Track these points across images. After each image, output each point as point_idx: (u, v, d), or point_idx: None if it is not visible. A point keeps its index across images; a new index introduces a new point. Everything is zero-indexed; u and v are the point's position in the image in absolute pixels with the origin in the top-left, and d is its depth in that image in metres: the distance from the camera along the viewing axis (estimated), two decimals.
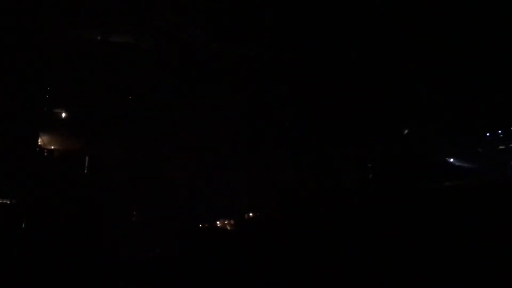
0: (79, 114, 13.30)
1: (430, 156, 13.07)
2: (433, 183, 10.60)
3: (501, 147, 13.26)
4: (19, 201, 10.83)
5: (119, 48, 12.67)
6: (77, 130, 13.18)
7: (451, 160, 13.58)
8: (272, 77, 13.50)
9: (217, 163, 13.66)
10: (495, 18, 10.78)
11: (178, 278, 8.25)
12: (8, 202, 10.84)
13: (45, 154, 13.05)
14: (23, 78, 11.53)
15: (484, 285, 5.51)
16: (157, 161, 13.64)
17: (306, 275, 7.14)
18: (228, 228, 13.14)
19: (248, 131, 13.99)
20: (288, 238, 8.43)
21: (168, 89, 13.39)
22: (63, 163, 12.98)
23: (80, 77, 12.49)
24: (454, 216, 6.38)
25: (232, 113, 13.80)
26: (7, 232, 9.85)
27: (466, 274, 5.68)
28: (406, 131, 13.73)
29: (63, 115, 13.35)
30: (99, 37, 12.52)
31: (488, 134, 13.51)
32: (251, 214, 13.36)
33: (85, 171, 13.11)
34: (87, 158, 13.21)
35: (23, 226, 10.29)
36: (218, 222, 13.29)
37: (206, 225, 12.99)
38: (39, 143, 12.74)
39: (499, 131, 13.31)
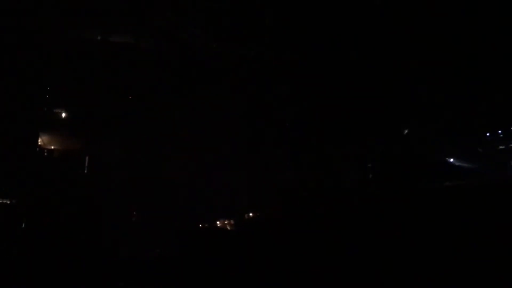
0: (79, 114, 13.30)
1: (430, 156, 13.07)
2: (433, 183, 10.60)
3: (501, 147, 13.26)
4: (19, 201, 10.83)
5: (119, 48, 12.67)
6: (77, 130, 13.18)
7: (451, 160, 13.58)
8: (272, 77, 13.50)
9: (217, 163, 13.65)
10: (495, 18, 10.78)
11: (178, 278, 8.24)
12: (8, 202, 10.84)
13: (45, 154, 13.05)
14: (23, 78, 11.53)
15: (484, 285, 5.51)
16: (157, 161, 13.63)
17: (306, 275, 7.14)
18: (228, 228, 13.14)
19: (248, 131, 13.99)
20: (288, 238, 8.43)
21: (168, 89, 13.39)
22: (63, 163, 12.98)
23: (80, 77, 12.49)
24: (454, 216, 6.38)
25: (232, 113, 13.80)
26: (7, 232, 9.85)
27: (466, 274, 5.68)
28: (406, 131, 13.73)
29: (63, 115, 13.35)
30: (99, 37, 12.52)
31: (488, 134, 13.51)
32: (251, 214, 13.36)
33: (85, 171, 13.11)
34: (87, 158, 13.21)
35: (23, 226, 10.29)
36: (218, 222, 13.29)
37: (206, 225, 12.99)
38: (39, 143, 12.74)
39: (499, 131, 13.31)
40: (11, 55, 11.23)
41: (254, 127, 13.99)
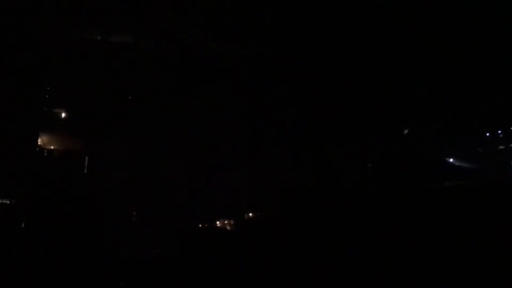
0: (79, 114, 13.30)
1: (430, 156, 13.08)
2: (433, 183, 10.61)
3: (501, 147, 13.27)
4: (19, 201, 10.82)
5: (119, 48, 12.67)
6: (77, 130, 13.17)
7: (451, 160, 13.59)
8: (272, 77, 13.50)
9: (217, 163, 13.65)
10: (495, 18, 10.78)
11: (178, 278, 8.24)
12: (8, 202, 10.84)
13: (45, 154, 13.05)
14: (23, 78, 11.53)
15: (484, 285, 5.51)
16: (157, 161, 13.63)
17: (306, 275, 7.14)
18: (228, 228, 13.14)
19: (248, 131, 13.99)
20: (288, 238, 8.43)
21: (168, 89, 13.39)
22: (63, 163, 12.98)
23: (80, 77, 12.49)
24: (454, 216, 6.38)
25: (232, 113, 13.80)
26: (7, 232, 9.85)
27: (466, 274, 5.68)
28: (406, 131, 13.74)
29: (63, 115, 13.35)
30: (99, 37, 12.52)
31: (488, 134, 13.52)
32: (251, 214, 13.36)
33: (85, 171, 13.11)
34: (87, 158, 13.20)
35: (23, 226, 10.28)
36: (218, 222, 13.29)
37: (206, 225, 12.99)
38: (39, 143, 12.74)
39: (499, 131, 13.32)
40: (11, 55, 11.22)
41: (254, 127, 13.99)
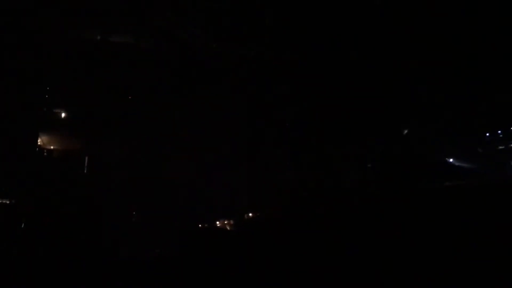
0: (79, 114, 13.29)
1: (430, 156, 13.09)
2: (433, 183, 10.61)
3: (500, 147, 13.29)
4: (19, 201, 10.82)
5: (119, 48, 12.67)
6: (77, 130, 13.17)
7: (451, 160, 13.59)
8: (272, 77, 13.50)
9: (217, 163, 13.65)
10: (495, 18, 10.78)
11: (178, 278, 8.24)
12: (8, 202, 10.84)
13: (45, 154, 13.05)
14: (23, 78, 11.53)
15: (484, 285, 5.51)
16: (157, 161, 13.63)
17: (306, 275, 7.14)
18: (228, 228, 13.14)
19: (248, 131, 13.98)
20: (288, 238, 8.43)
21: (168, 89, 13.39)
22: (63, 163, 12.98)
23: (80, 77, 12.49)
24: (454, 216, 6.38)
25: (232, 113, 13.79)
26: (7, 232, 9.85)
27: (466, 273, 5.68)
28: (406, 131, 13.74)
29: (63, 115, 13.35)
30: (99, 37, 12.52)
31: (488, 134, 13.54)
32: (251, 214, 13.36)
33: (85, 171, 13.10)
34: (87, 158, 13.20)
35: (23, 226, 10.28)
36: (218, 222, 13.29)
37: (206, 225, 12.99)
38: (39, 143, 12.74)
39: (499, 131, 13.34)
40: (11, 55, 11.22)
41: (254, 127, 13.99)
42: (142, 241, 11.37)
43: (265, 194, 13.42)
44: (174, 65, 13.21)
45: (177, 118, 13.68)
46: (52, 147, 13.21)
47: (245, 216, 13.35)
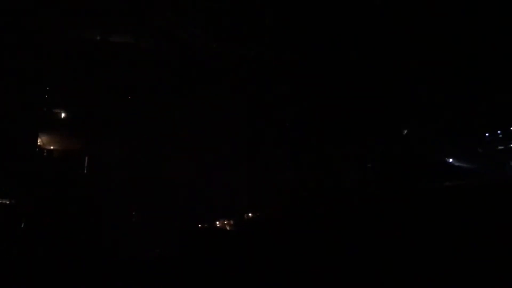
0: (79, 114, 13.29)
1: (430, 156, 13.09)
2: (433, 183, 10.61)
3: (500, 147, 13.30)
4: (19, 201, 10.82)
5: (119, 48, 12.67)
6: (77, 130, 13.17)
7: (451, 160, 13.60)
8: (272, 77, 13.50)
9: (217, 163, 13.65)
10: (495, 18, 10.79)
11: (178, 278, 8.24)
12: (8, 202, 10.84)
13: (45, 154, 13.05)
14: (23, 78, 11.53)
15: (484, 285, 5.51)
16: (157, 161, 13.63)
17: (306, 275, 7.14)
18: (228, 228, 13.14)
19: (248, 131, 13.98)
20: (288, 238, 8.43)
21: (168, 89, 13.39)
22: (63, 163, 12.98)
23: (80, 77, 12.49)
24: (454, 216, 6.38)
25: (232, 113, 13.80)
26: (7, 232, 9.85)
27: (466, 273, 5.68)
28: (406, 131, 13.75)
29: (63, 115, 13.34)
30: (99, 37, 12.52)
31: (487, 134, 13.55)
32: (251, 214, 13.36)
33: (85, 171, 13.11)
34: (87, 158, 13.20)
35: (23, 226, 10.28)
36: (218, 222, 13.29)
37: (206, 225, 12.99)
38: (39, 143, 12.74)
39: (499, 131, 13.35)
40: (11, 55, 11.22)
41: (254, 127, 13.99)
42: (142, 241, 11.37)
43: (265, 194, 13.42)
44: (174, 65, 13.21)
45: (177, 118, 13.68)
46: (52, 147, 13.21)
47: (245, 216, 13.35)
